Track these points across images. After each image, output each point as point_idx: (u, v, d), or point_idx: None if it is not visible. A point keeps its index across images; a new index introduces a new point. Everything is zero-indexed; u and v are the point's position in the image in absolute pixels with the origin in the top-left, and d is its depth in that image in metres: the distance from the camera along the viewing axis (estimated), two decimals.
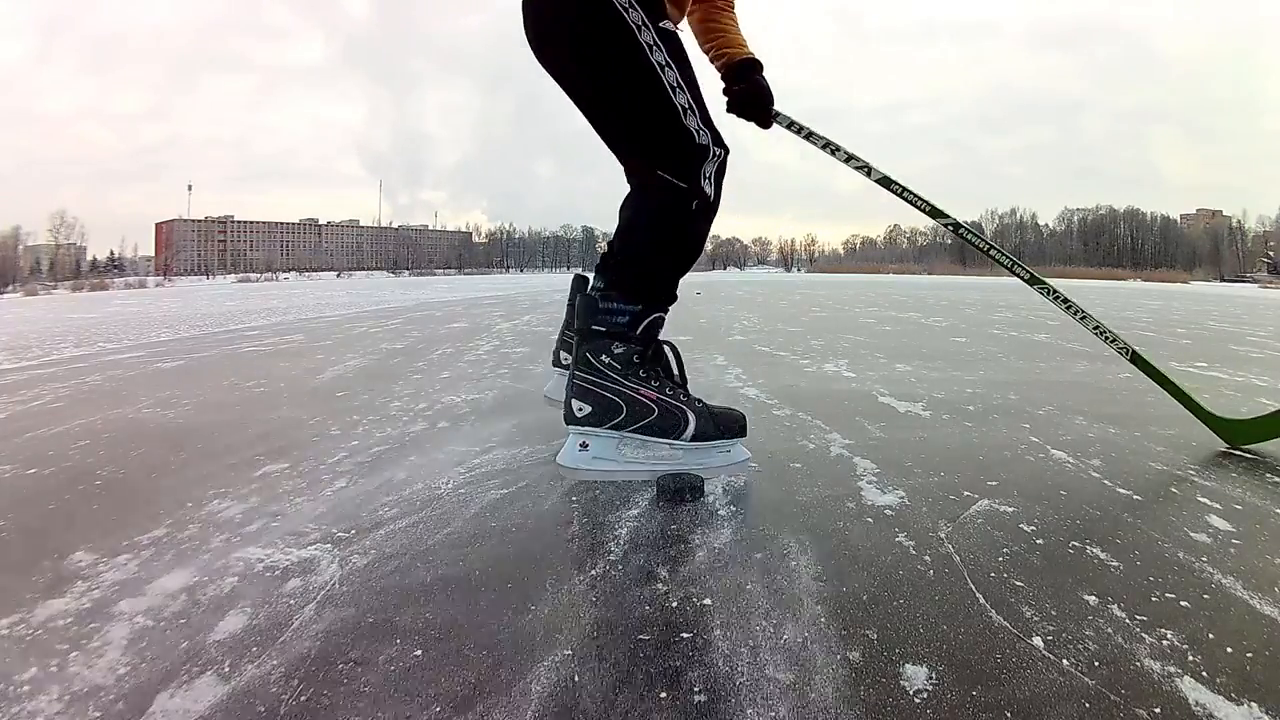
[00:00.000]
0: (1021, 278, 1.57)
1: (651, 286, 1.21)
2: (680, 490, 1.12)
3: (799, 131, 1.49)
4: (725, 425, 1.21)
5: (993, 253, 1.59)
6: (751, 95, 1.42)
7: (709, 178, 1.19)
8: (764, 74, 1.44)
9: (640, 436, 1.18)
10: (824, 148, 1.51)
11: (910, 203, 1.53)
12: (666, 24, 1.18)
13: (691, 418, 1.19)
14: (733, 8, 1.49)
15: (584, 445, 1.19)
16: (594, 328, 1.20)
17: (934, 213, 1.55)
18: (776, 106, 1.45)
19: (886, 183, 1.52)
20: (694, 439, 1.18)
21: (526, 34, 1.26)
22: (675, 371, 1.24)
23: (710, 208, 1.21)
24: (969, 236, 1.61)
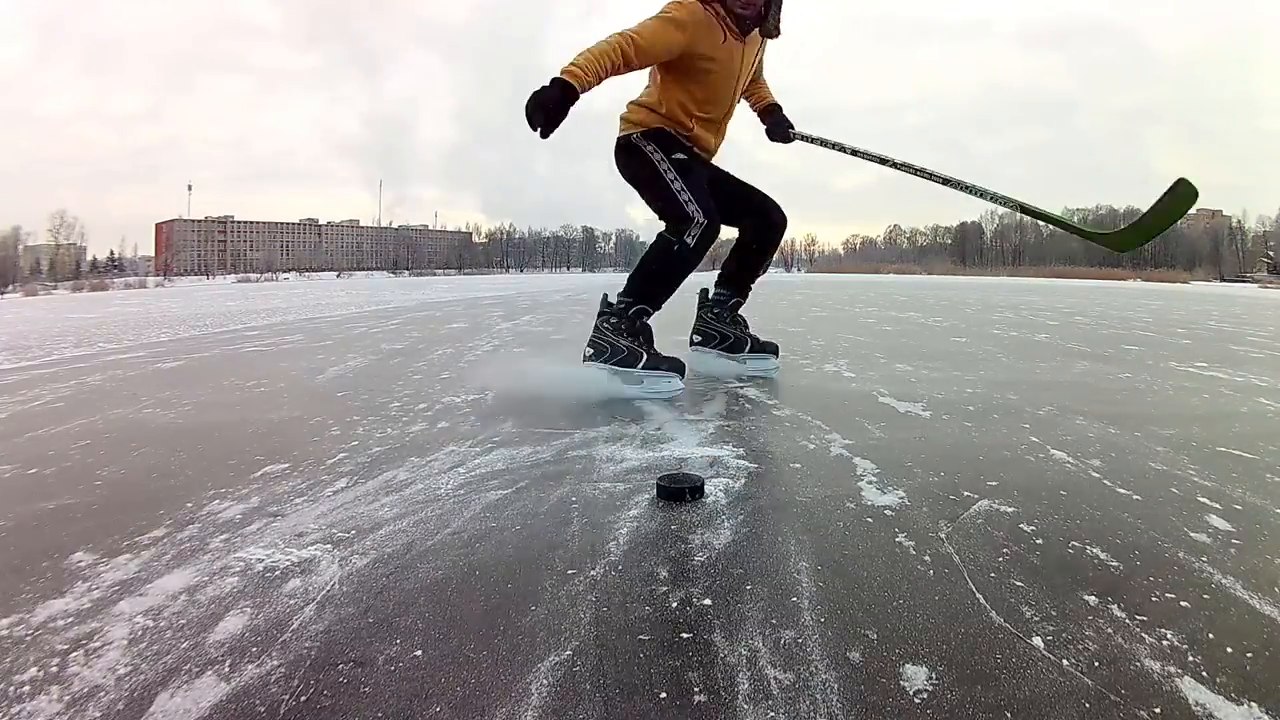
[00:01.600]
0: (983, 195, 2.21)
1: (644, 292, 2.16)
2: (680, 491, 1.12)
3: (819, 143, 2.35)
4: (668, 364, 2.08)
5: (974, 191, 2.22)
6: (776, 125, 2.45)
7: (692, 236, 2.07)
8: (782, 110, 2.45)
9: (617, 368, 2.09)
10: (838, 149, 2.32)
11: (929, 178, 2.20)
12: (679, 155, 2.15)
13: (644, 355, 2.08)
14: (762, 77, 2.43)
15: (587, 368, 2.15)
16: (604, 309, 2.17)
17: (947, 181, 2.23)
18: (795, 125, 2.42)
19: (908, 168, 2.21)
20: (644, 368, 2.06)
21: (617, 168, 2.26)
22: (651, 335, 2.17)
23: (691, 254, 2.08)
24: (966, 186, 2.21)
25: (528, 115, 1.85)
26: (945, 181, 2.22)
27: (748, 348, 2.44)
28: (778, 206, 2.39)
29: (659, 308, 2.18)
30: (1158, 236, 1.70)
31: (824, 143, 2.35)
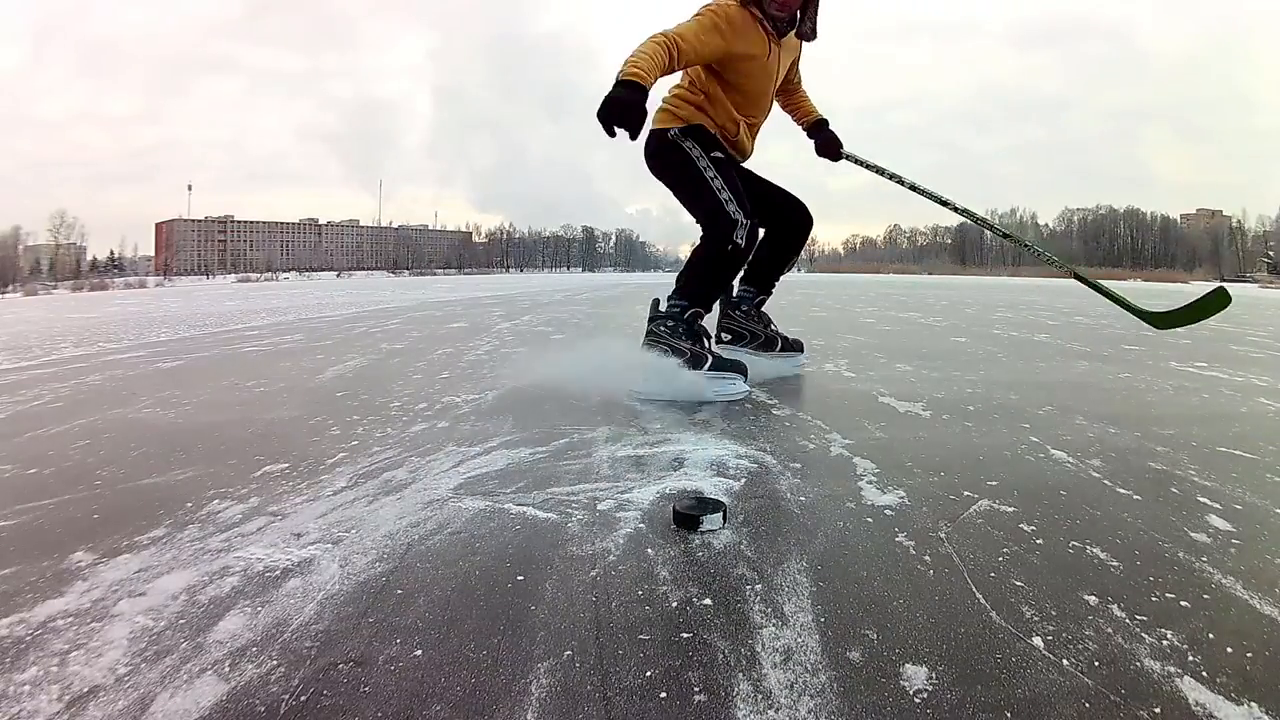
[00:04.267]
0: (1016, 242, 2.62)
1: (695, 294, 2.12)
2: (695, 520, 1.01)
3: (866, 166, 2.44)
4: (732, 367, 2.07)
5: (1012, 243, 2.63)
6: (825, 143, 2.52)
7: (740, 238, 2.04)
8: (830, 127, 2.51)
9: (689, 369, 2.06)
10: (890, 179, 2.40)
11: (968, 217, 2.48)
12: (718, 154, 2.12)
13: (709, 359, 2.06)
14: (802, 87, 2.52)
15: (645, 379, 2.04)
16: (656, 314, 2.13)
17: (1006, 236, 2.63)
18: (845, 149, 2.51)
19: (951, 207, 2.41)
20: (711, 369, 2.03)
21: (646, 161, 2.23)
22: (710, 336, 2.18)
23: (740, 254, 2.07)
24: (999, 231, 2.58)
25: (609, 120, 1.78)
26: (1005, 236, 2.61)
27: (778, 346, 2.49)
28: (803, 206, 2.42)
29: (710, 310, 2.18)
30: (1189, 324, 2.10)
31: (871, 167, 2.41)
